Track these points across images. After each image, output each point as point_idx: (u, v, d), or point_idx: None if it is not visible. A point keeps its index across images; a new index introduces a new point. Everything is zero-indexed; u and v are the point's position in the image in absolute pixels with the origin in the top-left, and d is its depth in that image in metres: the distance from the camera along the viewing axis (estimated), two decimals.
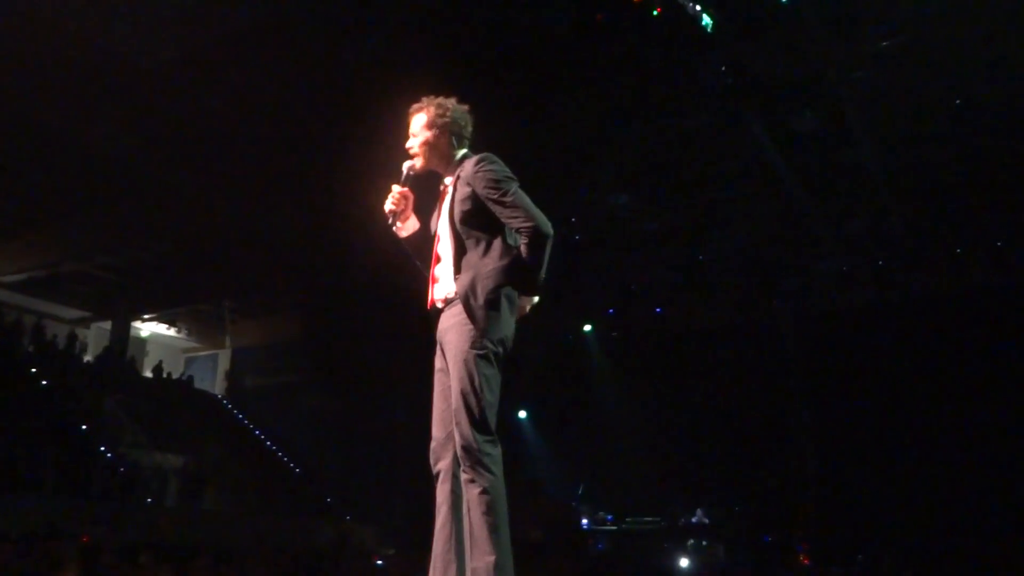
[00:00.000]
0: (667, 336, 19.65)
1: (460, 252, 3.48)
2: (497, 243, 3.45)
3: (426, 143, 3.65)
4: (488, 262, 3.41)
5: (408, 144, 3.70)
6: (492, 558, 3.14)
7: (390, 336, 17.90)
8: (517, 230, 3.39)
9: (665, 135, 14.06)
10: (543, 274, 3.41)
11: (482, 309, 3.33)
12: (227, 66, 12.49)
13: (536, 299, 3.59)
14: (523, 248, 3.38)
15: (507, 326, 3.42)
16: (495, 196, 3.40)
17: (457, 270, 3.46)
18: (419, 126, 3.67)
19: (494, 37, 11.70)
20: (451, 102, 3.68)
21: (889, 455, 16.09)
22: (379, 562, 13.94)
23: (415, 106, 3.70)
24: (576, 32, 11.57)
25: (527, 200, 3.40)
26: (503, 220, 3.41)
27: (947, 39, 11.27)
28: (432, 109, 3.65)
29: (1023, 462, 14.08)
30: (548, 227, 3.37)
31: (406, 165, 3.70)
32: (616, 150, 14.59)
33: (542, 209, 3.41)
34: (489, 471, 3.24)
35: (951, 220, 15.86)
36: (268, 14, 11.57)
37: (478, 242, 3.45)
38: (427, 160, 3.67)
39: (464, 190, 3.49)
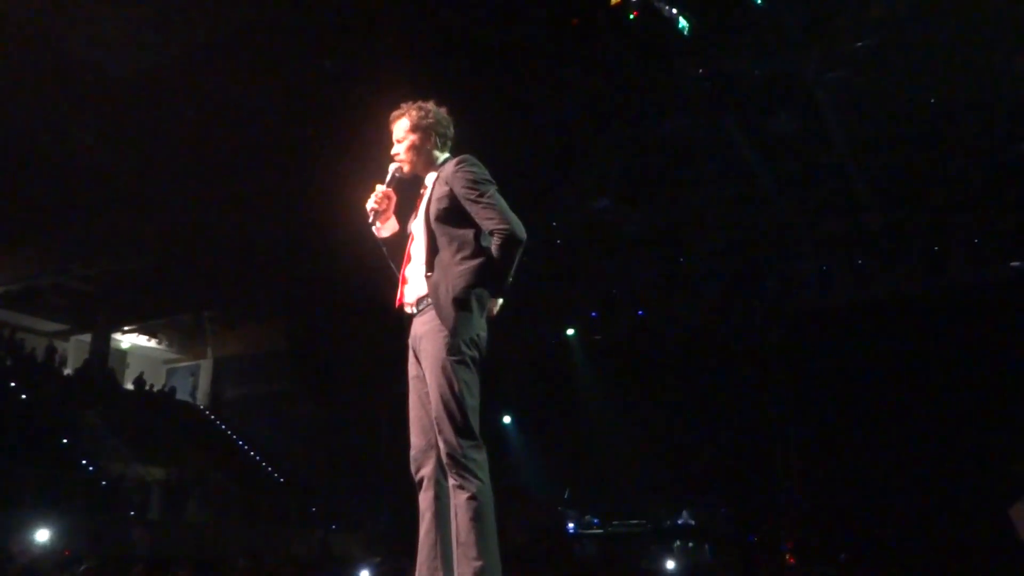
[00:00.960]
0: (650, 338, 19.69)
1: (433, 251, 3.47)
2: (470, 244, 3.44)
3: (411, 146, 3.65)
4: (459, 262, 3.40)
5: (394, 151, 3.70)
6: (479, 563, 3.13)
7: (372, 345, 17.85)
8: (491, 232, 3.38)
9: (644, 138, 14.11)
10: (511, 278, 3.42)
11: (452, 308, 3.31)
12: (205, 75, 12.42)
13: (501, 301, 3.56)
14: (495, 250, 3.37)
15: (479, 326, 3.40)
16: (472, 196, 3.40)
17: (429, 268, 3.45)
18: (403, 131, 3.67)
19: (472, 42, 11.71)
20: (431, 105, 3.70)
21: (872, 454, 16.16)
22: (364, 573, 13.88)
23: (395, 112, 3.70)
24: (553, 36, 11.59)
25: (503, 203, 3.41)
26: (478, 221, 3.41)
27: (921, 39, 11.39)
28: (414, 112, 3.66)
29: (1005, 459, 14.17)
30: (522, 231, 3.37)
31: (392, 167, 3.70)
32: (596, 154, 14.63)
33: (523, 213, 3.41)
34: (476, 476, 3.23)
35: (928, 219, 16.00)
36: (246, 22, 11.53)
37: (451, 241, 3.44)
38: (413, 164, 3.67)
39: (442, 189, 3.49)
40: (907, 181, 14.93)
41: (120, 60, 12.17)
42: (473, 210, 3.40)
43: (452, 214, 3.45)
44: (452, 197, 3.45)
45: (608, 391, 20.29)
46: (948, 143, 13.78)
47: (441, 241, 3.47)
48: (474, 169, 3.47)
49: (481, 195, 3.39)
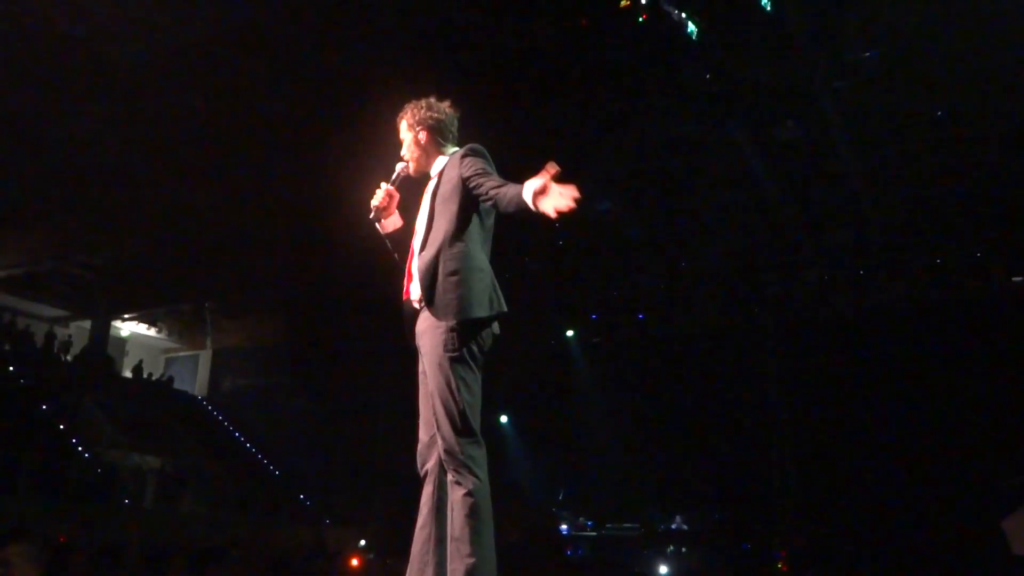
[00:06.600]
0: (649, 342, 19.70)
1: (429, 229, 3.49)
2: (465, 228, 3.42)
3: (414, 144, 3.66)
4: (452, 244, 3.38)
5: (402, 152, 3.71)
6: (472, 560, 3.14)
7: (371, 339, 17.87)
8: (488, 193, 3.30)
9: (649, 142, 14.11)
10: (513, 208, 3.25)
11: (452, 294, 3.31)
12: (210, 63, 12.42)
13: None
14: (499, 193, 3.27)
15: (483, 326, 3.38)
16: (472, 171, 3.37)
17: (422, 246, 3.47)
18: (406, 130, 3.69)
19: (479, 42, 11.70)
20: (432, 100, 3.70)
21: (868, 464, 16.17)
22: (354, 561, 13.89)
23: (400, 115, 3.72)
24: (561, 37, 11.59)
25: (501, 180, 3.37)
26: (479, 190, 3.33)
27: (928, 50, 11.38)
28: (414, 110, 3.68)
29: (999, 472, 14.17)
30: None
31: (399, 166, 3.71)
32: (600, 156, 14.62)
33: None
34: (473, 473, 3.23)
35: (931, 230, 16.00)
36: (253, 12, 11.51)
37: (450, 220, 3.42)
38: (418, 162, 3.68)
39: (451, 172, 3.50)
40: (911, 192, 14.94)
41: (124, 47, 12.14)
42: (476, 181, 3.35)
43: (456, 196, 3.44)
44: (459, 182, 3.44)
45: (605, 394, 20.30)
46: (953, 155, 13.78)
47: (439, 222, 3.46)
48: (483, 157, 3.47)
49: (482, 170, 3.37)
